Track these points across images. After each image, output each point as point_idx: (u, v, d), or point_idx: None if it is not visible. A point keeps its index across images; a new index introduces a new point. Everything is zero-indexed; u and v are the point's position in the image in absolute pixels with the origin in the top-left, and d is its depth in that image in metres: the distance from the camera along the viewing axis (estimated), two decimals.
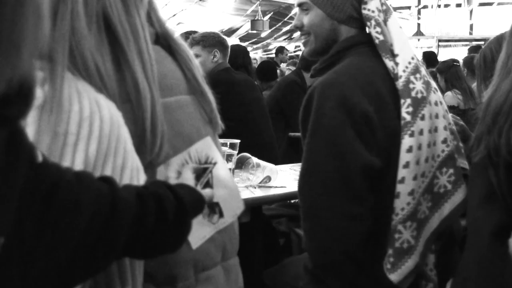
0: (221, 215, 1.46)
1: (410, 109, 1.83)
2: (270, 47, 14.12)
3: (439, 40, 14.85)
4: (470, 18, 15.15)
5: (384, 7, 1.94)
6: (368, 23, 1.91)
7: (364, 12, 1.91)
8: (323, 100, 1.82)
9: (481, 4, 14.21)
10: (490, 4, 14.05)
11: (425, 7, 15.10)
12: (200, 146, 1.43)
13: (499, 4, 13.80)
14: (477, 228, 1.80)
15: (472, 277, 1.77)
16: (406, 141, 1.81)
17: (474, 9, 14.54)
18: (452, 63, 5.03)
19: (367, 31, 1.94)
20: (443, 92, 5.22)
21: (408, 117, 1.82)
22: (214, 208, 1.45)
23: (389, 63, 1.87)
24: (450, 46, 14.93)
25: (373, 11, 1.91)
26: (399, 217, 1.85)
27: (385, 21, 1.92)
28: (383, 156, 1.82)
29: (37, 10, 0.56)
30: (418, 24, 15.80)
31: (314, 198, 1.82)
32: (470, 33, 15.25)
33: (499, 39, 2.64)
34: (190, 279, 1.41)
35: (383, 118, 1.83)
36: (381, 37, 1.90)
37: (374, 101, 1.83)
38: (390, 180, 1.84)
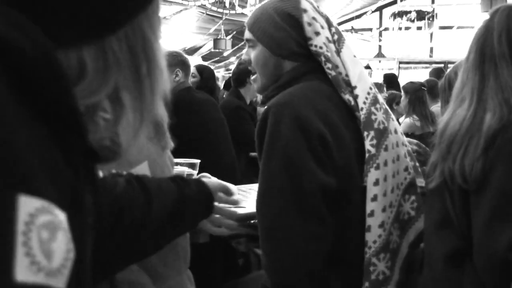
0: None
1: (374, 141, 1.83)
2: (232, 66, 14.28)
3: (400, 62, 15.13)
4: (431, 41, 15.44)
5: (336, 37, 1.91)
6: (319, 59, 1.87)
7: (312, 48, 1.88)
8: (278, 121, 1.79)
9: (441, 28, 14.63)
10: (450, 27, 14.38)
11: (386, 29, 15.36)
12: (138, 171, 1.50)
13: (458, 27, 14.12)
14: (433, 252, 1.85)
15: None
16: (373, 174, 1.80)
17: (434, 32, 14.93)
18: (420, 87, 5.02)
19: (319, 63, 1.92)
20: (403, 113, 5.23)
21: (373, 150, 1.80)
22: None
23: (345, 97, 1.85)
24: (410, 68, 15.26)
25: (321, 47, 1.87)
26: (372, 250, 1.85)
27: (338, 51, 1.89)
28: (340, 177, 1.79)
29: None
30: (380, 46, 16.12)
31: (273, 219, 1.80)
32: (430, 56, 15.54)
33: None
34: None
35: (339, 142, 1.81)
36: (333, 73, 1.87)
37: (328, 124, 1.80)
38: (352, 204, 1.83)
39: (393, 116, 2.00)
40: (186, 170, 2.37)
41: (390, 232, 1.90)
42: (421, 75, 10.59)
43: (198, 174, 2.61)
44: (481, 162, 1.67)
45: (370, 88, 1.90)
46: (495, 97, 1.75)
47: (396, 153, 1.91)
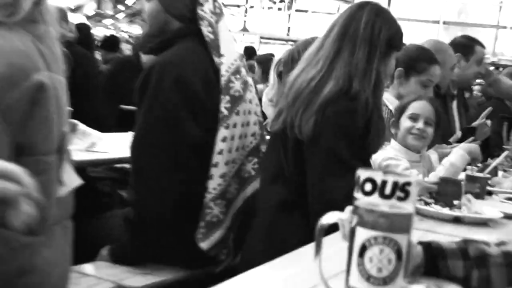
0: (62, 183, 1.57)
1: (228, 105, 2.02)
2: (112, 28, 14.62)
3: (261, 37, 16.21)
4: (288, 21, 16.59)
5: (218, 11, 2.08)
6: (201, 22, 2.03)
7: (199, 12, 2.04)
8: (161, 78, 1.95)
9: (298, 10, 15.84)
10: (305, 11, 15.69)
11: (251, 7, 16.13)
12: None
13: (313, 12, 15.41)
14: (267, 201, 2.06)
15: (261, 239, 2.02)
16: (222, 132, 2.00)
17: (292, 14, 16.03)
18: (270, 57, 5.58)
19: (200, 28, 2.07)
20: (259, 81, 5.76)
21: (225, 112, 2.00)
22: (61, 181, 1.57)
23: (216, 60, 2.02)
24: (270, 43, 16.21)
25: (206, 12, 2.03)
26: (211, 196, 2.04)
27: (216, 22, 2.06)
28: (208, 131, 1.99)
29: None
30: (244, 21, 16.94)
31: (146, 160, 1.99)
32: (288, 34, 16.63)
33: (305, 42, 2.85)
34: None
35: (210, 99, 2.00)
36: (211, 36, 2.03)
37: (203, 82, 1.99)
38: (209, 156, 2.03)
39: (252, 88, 2.20)
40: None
41: (229, 184, 2.10)
42: (279, 50, 11.19)
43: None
44: (313, 121, 1.88)
45: (235, 60, 2.08)
46: (343, 69, 1.96)
47: (246, 119, 2.11)
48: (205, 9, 2.06)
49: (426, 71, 2.87)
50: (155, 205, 1.97)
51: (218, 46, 2.07)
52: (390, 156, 2.27)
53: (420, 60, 2.88)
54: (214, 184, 2.07)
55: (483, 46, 3.85)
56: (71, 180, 1.59)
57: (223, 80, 2.04)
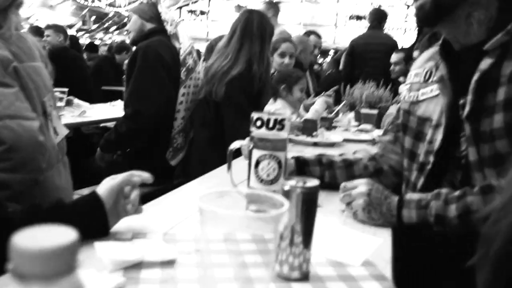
0: (57, 133, 1.74)
1: (185, 73, 2.70)
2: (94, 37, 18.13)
3: (192, 38, 16.35)
4: (207, 27, 17.29)
5: (176, 22, 2.72)
6: (165, 23, 2.71)
7: (163, 16, 2.70)
8: (147, 54, 2.53)
9: (213, 20, 16.63)
10: (217, 20, 16.47)
11: (183, 20, 16.98)
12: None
13: (223, 20, 15.73)
14: (199, 138, 2.59)
15: (196, 162, 2.54)
16: (181, 90, 2.66)
17: (209, 23, 16.42)
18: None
19: (165, 28, 2.67)
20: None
21: (183, 78, 2.70)
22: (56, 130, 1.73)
23: (177, 45, 2.69)
24: (196, 41, 16.41)
25: (166, 16, 2.69)
26: (175, 131, 2.67)
27: (176, 27, 2.72)
28: (174, 90, 2.56)
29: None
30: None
31: (138, 104, 2.50)
32: (207, 35, 16.89)
33: (216, 39, 3.54)
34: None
35: (175, 70, 2.59)
36: (173, 31, 2.70)
37: (172, 60, 2.62)
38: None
39: (199, 64, 2.77)
40: (58, 94, 3.09)
41: (186, 123, 2.64)
42: (202, 45, 11.77)
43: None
44: (224, 89, 2.46)
45: (189, 46, 2.67)
46: (245, 57, 2.49)
47: (196, 83, 2.68)
48: (167, 13, 2.64)
49: (279, 47, 3.56)
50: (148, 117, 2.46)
51: (178, 37, 2.69)
52: (278, 107, 2.94)
53: (277, 42, 3.55)
54: (177, 123, 2.68)
55: (320, 37, 5.14)
56: (62, 131, 1.78)
57: (181, 58, 2.64)
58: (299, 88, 2.94)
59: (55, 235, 0.33)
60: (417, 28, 5.39)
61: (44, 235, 0.33)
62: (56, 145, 1.66)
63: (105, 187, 1.00)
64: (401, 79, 4.47)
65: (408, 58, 4.28)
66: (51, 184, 1.57)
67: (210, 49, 3.47)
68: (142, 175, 1.04)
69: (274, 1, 4.89)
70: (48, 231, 0.34)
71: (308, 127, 2.63)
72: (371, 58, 5.29)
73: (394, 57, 4.85)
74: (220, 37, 3.48)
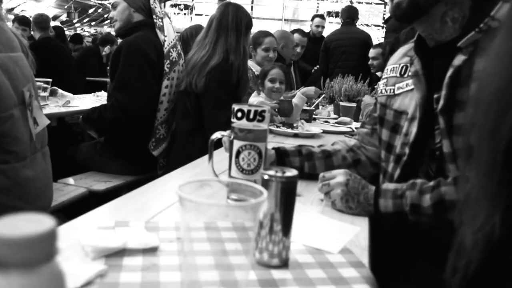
0: (37, 123, 1.75)
1: (169, 66, 2.73)
2: (79, 29, 17.43)
3: (176, 32, 16.29)
4: (191, 21, 16.62)
5: (163, 13, 2.75)
6: (154, 16, 2.71)
7: (152, 7, 2.70)
8: (131, 50, 2.56)
9: (197, 14, 16.06)
10: (201, 14, 15.82)
11: (167, 14, 16.42)
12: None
13: (206, 15, 15.89)
14: (180, 129, 2.61)
15: (178, 152, 2.55)
16: (165, 83, 2.70)
17: (193, 17, 16.10)
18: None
19: (153, 21, 2.68)
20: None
21: (167, 70, 2.73)
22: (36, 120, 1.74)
23: (162, 38, 2.71)
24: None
25: (156, 7, 2.70)
26: (158, 121, 2.70)
27: (162, 19, 2.73)
28: (157, 82, 2.62)
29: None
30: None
31: (122, 97, 2.54)
32: None
33: (191, 28, 3.71)
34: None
35: (159, 63, 2.62)
36: (160, 24, 2.70)
37: (156, 55, 2.64)
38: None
39: (182, 57, 2.80)
40: (42, 84, 3.11)
41: (169, 114, 2.68)
42: None
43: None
44: (204, 80, 2.50)
45: (173, 39, 2.71)
46: (222, 48, 2.55)
47: (178, 75, 2.72)
48: (157, 6, 2.65)
49: (263, 42, 3.63)
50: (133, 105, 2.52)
51: (163, 29, 2.69)
52: (261, 100, 2.93)
53: (258, 37, 3.66)
54: (160, 114, 2.72)
55: (305, 35, 5.19)
56: (43, 121, 1.79)
57: (165, 51, 2.68)
58: (268, 79, 2.95)
59: (33, 223, 0.33)
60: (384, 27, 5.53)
61: (22, 223, 0.33)
62: (34, 135, 1.65)
63: None
64: (379, 73, 4.54)
65: (385, 53, 4.35)
66: (21, 174, 1.56)
67: (186, 38, 3.61)
68: None
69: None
70: (27, 219, 0.34)
71: (285, 107, 2.69)
72: (343, 52, 5.56)
73: (372, 52, 4.91)
74: (191, 28, 3.69)
